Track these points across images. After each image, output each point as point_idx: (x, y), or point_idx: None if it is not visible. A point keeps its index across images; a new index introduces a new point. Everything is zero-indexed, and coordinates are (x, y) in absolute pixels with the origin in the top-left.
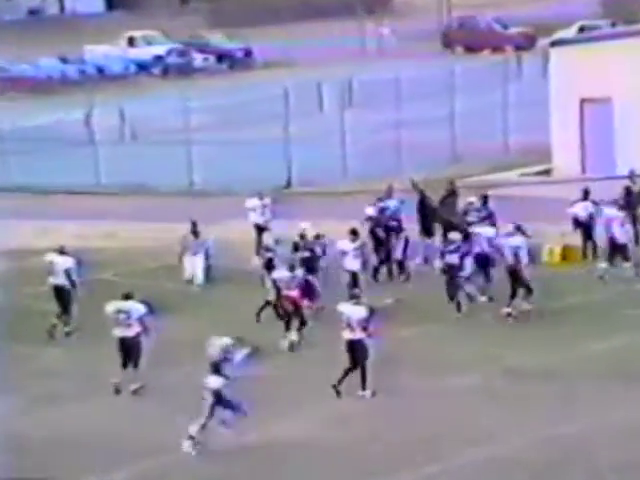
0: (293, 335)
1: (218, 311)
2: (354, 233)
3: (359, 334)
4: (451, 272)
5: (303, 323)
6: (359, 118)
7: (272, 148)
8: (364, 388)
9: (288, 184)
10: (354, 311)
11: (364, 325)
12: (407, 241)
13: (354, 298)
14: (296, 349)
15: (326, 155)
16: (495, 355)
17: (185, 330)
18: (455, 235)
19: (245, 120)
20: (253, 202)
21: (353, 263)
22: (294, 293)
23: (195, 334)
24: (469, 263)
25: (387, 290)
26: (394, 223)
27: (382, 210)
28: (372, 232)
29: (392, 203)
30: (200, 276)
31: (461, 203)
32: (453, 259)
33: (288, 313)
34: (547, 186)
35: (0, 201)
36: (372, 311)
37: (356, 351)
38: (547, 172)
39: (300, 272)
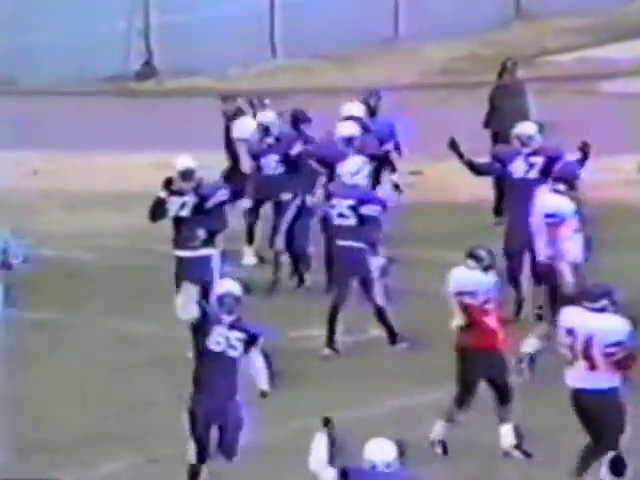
0: (510, 436)
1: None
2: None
3: (605, 377)
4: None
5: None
6: None
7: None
8: None
9: (147, 71)
10: (601, 325)
11: (619, 358)
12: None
13: (597, 299)
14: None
15: (234, 10)
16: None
17: None
18: None
19: None
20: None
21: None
22: (492, 319)
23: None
24: None
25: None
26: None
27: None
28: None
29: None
30: None
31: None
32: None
33: None
34: None
35: None
36: (636, 325)
37: (603, 415)
38: None
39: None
